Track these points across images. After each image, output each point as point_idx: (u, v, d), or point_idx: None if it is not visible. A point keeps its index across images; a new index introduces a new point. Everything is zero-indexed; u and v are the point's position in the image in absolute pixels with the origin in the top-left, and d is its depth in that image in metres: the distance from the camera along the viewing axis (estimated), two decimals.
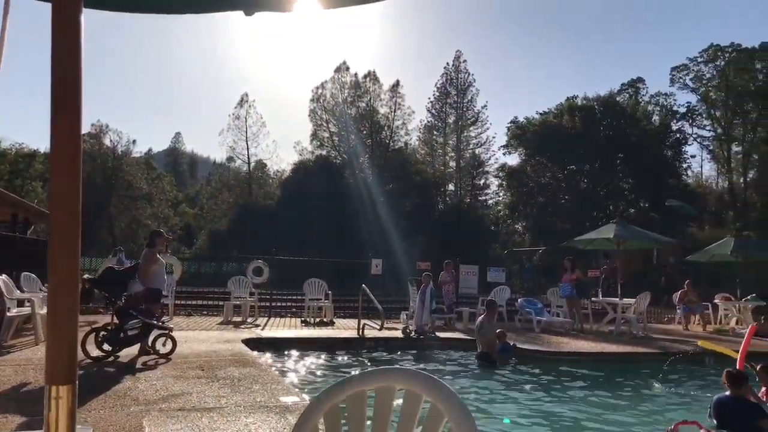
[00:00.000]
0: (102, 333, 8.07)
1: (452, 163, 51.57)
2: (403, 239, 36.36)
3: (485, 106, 50.65)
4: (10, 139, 53.15)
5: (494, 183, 50.59)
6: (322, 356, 10.44)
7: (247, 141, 49.26)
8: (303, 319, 14.89)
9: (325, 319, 14.75)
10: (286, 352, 10.47)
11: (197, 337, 10.76)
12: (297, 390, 6.92)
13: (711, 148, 48.77)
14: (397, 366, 2.16)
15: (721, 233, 27.49)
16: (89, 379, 6.79)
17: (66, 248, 1.89)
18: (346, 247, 32.60)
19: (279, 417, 5.29)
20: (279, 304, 17.72)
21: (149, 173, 53.90)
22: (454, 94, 50.55)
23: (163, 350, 8.43)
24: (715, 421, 6.52)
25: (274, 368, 8.64)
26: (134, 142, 50.28)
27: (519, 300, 16.71)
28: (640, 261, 28.18)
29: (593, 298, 17.35)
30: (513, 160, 48.87)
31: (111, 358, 8.01)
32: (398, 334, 12.51)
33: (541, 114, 47.66)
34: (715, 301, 18.05)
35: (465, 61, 50.68)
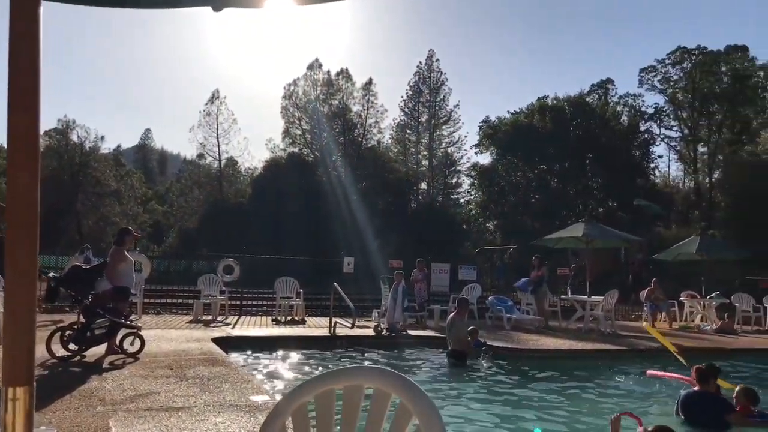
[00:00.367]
0: (68, 332, 7.93)
1: (425, 162, 51.80)
2: (377, 237, 36.35)
3: (457, 105, 51.14)
4: None
5: (466, 182, 51.07)
6: (293, 355, 10.37)
7: (218, 138, 48.76)
8: (274, 317, 14.80)
9: (296, 318, 14.69)
10: (256, 351, 10.39)
11: (166, 335, 10.62)
12: (267, 389, 6.88)
13: (678, 148, 49.78)
14: (366, 364, 2.15)
15: (687, 232, 28.02)
16: (54, 380, 6.67)
17: (23, 243, 1.83)
18: (320, 246, 32.49)
19: (249, 416, 5.25)
20: (250, 302, 17.59)
21: (118, 170, 53.02)
22: (427, 92, 50.75)
23: (131, 349, 8.31)
24: (682, 417, 6.64)
25: (244, 367, 8.57)
26: (102, 138, 49.25)
27: (490, 298, 16.82)
28: (608, 259, 28.60)
29: (562, 296, 17.55)
30: (485, 159, 49.36)
31: (77, 358, 7.86)
32: (370, 332, 12.52)
33: (512, 114, 48.13)
34: (681, 298, 18.40)
35: (438, 60, 50.98)
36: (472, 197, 50.51)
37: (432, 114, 50.72)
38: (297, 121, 48.45)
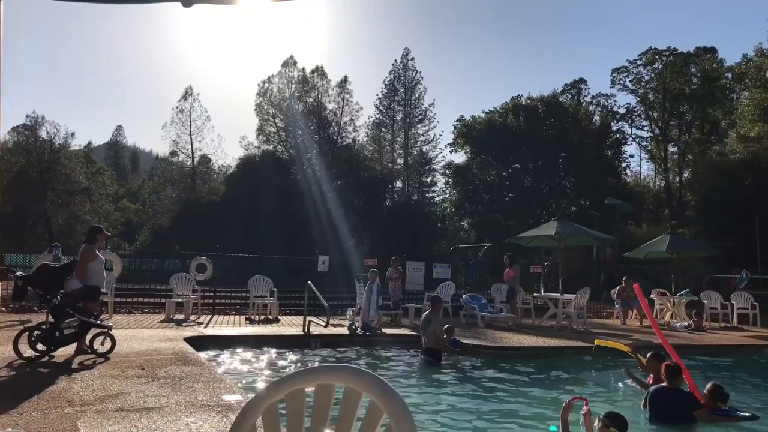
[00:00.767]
0: (36, 332, 7.79)
1: (400, 161, 51.89)
2: (352, 236, 36.31)
3: (432, 104, 51.31)
4: None
5: (441, 180, 51.21)
6: (267, 354, 10.32)
7: (191, 135, 48.21)
8: (247, 316, 14.71)
9: (270, 317, 14.62)
10: (229, 350, 10.31)
11: (138, 335, 10.49)
12: (240, 388, 6.83)
13: (649, 148, 50.60)
14: (337, 363, 2.15)
15: (658, 231, 28.48)
16: (21, 381, 6.54)
17: None
18: (295, 244, 32.36)
19: (221, 416, 5.21)
20: (223, 301, 17.46)
21: (89, 167, 52.05)
22: (402, 91, 50.85)
23: (101, 349, 8.19)
24: (650, 411, 6.77)
25: (216, 366, 8.51)
26: (73, 134, 48.16)
27: (464, 296, 16.92)
28: (580, 257, 28.98)
29: (535, 294, 17.75)
30: (459, 158, 49.55)
31: (45, 358, 7.73)
32: (345, 330, 12.50)
33: (486, 113, 48.39)
34: (651, 296, 18.70)
35: (413, 58, 51.11)
36: (446, 196, 50.72)
37: (407, 112, 50.83)
38: (271, 119, 48.10)
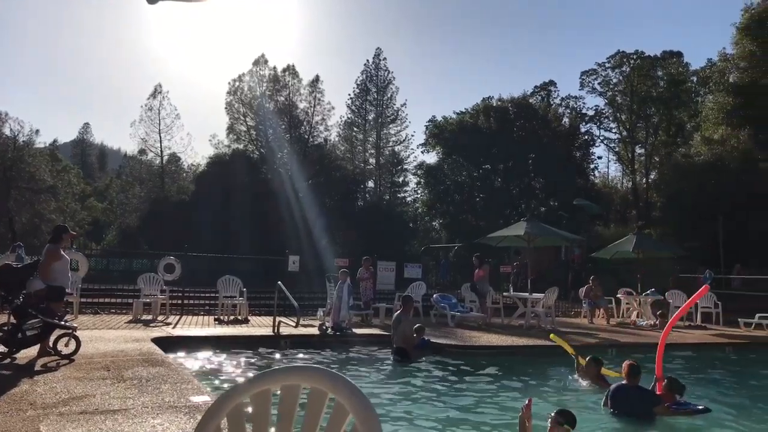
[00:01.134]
0: None
1: (372, 161, 51.93)
2: (324, 235, 36.19)
3: (404, 104, 51.55)
4: None
5: (413, 181, 51.44)
6: (236, 355, 10.23)
7: (160, 133, 47.58)
8: (217, 317, 14.58)
9: (239, 317, 14.50)
10: (197, 351, 10.19)
11: (104, 336, 10.31)
12: (208, 389, 6.77)
13: (617, 150, 51.41)
14: (303, 364, 2.15)
15: (625, 231, 28.92)
16: None
17: None
18: (266, 244, 32.10)
19: (188, 417, 5.15)
20: (192, 301, 17.25)
21: (54, 165, 51.04)
22: (374, 91, 50.87)
23: (65, 351, 8.03)
24: (611, 409, 6.94)
25: (184, 367, 8.40)
26: (37, 132, 47.20)
27: (434, 295, 17.00)
28: (549, 257, 29.29)
29: (505, 293, 17.91)
30: (431, 158, 49.73)
31: (7, 360, 7.55)
32: (315, 331, 12.46)
33: (458, 114, 48.65)
34: (618, 295, 19.03)
35: (385, 58, 51.20)
36: (418, 196, 50.95)
37: (379, 112, 50.89)
38: (242, 117, 47.67)
